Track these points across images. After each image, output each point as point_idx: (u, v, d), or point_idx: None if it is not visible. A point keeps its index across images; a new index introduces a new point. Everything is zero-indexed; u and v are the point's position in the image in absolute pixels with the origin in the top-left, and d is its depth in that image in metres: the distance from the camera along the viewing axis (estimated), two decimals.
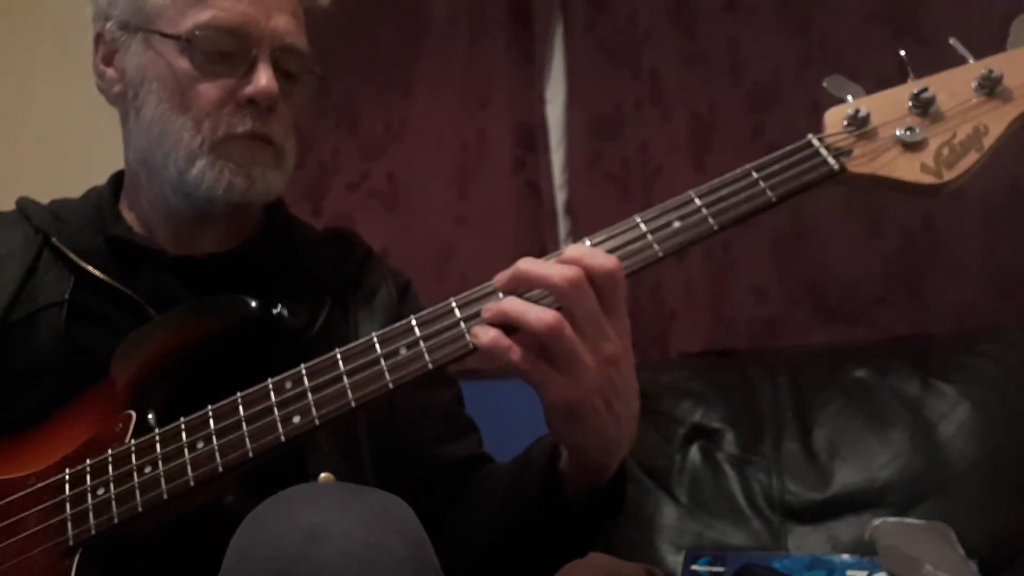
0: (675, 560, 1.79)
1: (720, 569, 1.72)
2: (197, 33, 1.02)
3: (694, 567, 1.75)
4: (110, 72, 1.09)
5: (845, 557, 1.68)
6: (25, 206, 1.13)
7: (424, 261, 2.26)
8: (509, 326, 0.83)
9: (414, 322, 0.87)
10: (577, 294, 0.81)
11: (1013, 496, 1.67)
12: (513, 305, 0.83)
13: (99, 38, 1.10)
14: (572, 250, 0.85)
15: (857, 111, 0.91)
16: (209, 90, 1.03)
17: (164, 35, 1.03)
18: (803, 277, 2.02)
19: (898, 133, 0.90)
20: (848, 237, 1.98)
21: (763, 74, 2.08)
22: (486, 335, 0.83)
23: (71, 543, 0.88)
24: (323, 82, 1.10)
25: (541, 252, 2.22)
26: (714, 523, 1.82)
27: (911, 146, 0.90)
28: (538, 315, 0.81)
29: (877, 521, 1.51)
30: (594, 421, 0.84)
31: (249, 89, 1.02)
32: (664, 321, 2.11)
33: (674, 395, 1.94)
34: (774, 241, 2.02)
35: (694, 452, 1.89)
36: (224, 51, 1.02)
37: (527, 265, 0.84)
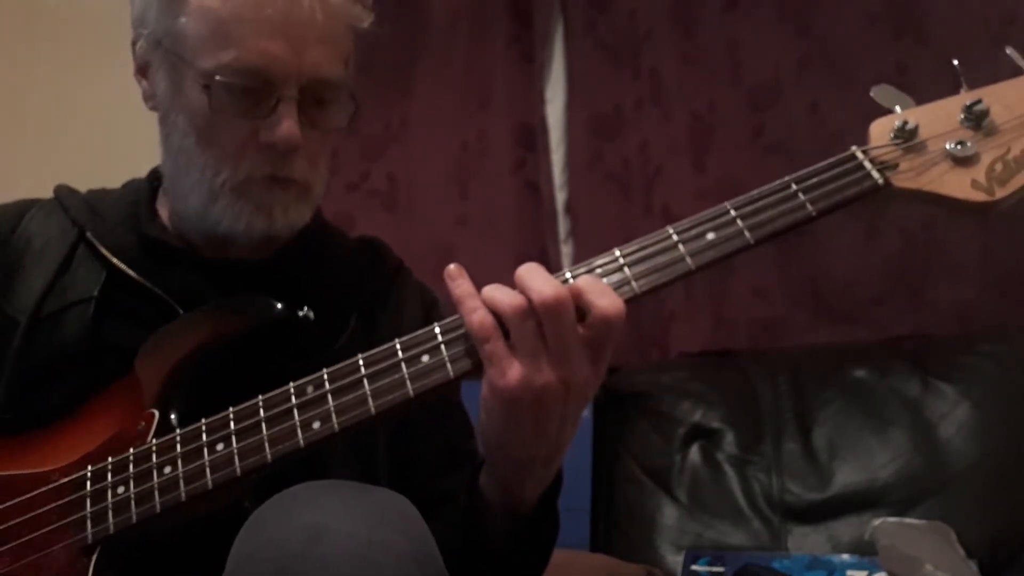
0: (675, 560, 1.79)
1: (720, 569, 1.72)
2: (218, 78, 0.97)
3: (694, 567, 1.75)
4: (145, 84, 1.07)
5: (845, 557, 1.68)
6: (63, 196, 1.12)
7: (424, 261, 2.23)
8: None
9: (437, 330, 0.87)
10: (519, 319, 0.82)
11: (1013, 496, 1.67)
12: (495, 289, 0.84)
13: (134, 46, 1.07)
14: (531, 278, 0.83)
15: (905, 123, 0.87)
16: (231, 131, 0.99)
17: (189, 67, 0.99)
18: (803, 277, 2.02)
19: (948, 147, 0.86)
20: (848, 237, 1.98)
21: (763, 74, 2.08)
22: (461, 286, 0.84)
23: (89, 541, 0.88)
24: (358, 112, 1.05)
25: (541, 252, 2.24)
26: (714, 523, 1.82)
27: (962, 161, 0.85)
28: (511, 297, 0.82)
29: (877, 521, 1.51)
30: (524, 426, 0.84)
31: (269, 136, 0.98)
32: (664, 321, 2.11)
33: (674, 395, 1.94)
34: (774, 242, 2.02)
35: (694, 452, 1.89)
36: (247, 89, 0.98)
37: (489, 290, 0.84)
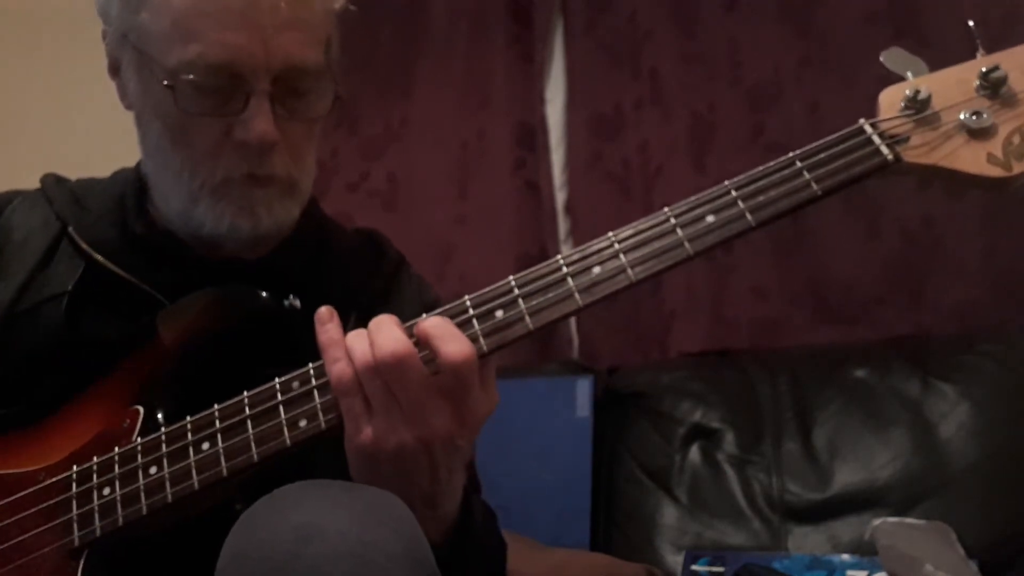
0: (675, 560, 1.78)
1: (720, 569, 1.72)
2: (181, 77, 0.92)
3: (694, 567, 1.74)
4: (117, 83, 1.03)
5: (845, 557, 1.67)
6: (48, 187, 1.09)
7: (424, 261, 2.25)
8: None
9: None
10: (367, 377, 0.80)
11: (1013, 496, 1.66)
12: (355, 339, 0.82)
13: (104, 37, 1.03)
14: (373, 332, 0.82)
15: (917, 92, 0.81)
16: (203, 130, 0.95)
17: (155, 65, 0.94)
18: (803, 277, 2.02)
19: (963, 117, 0.80)
20: (848, 237, 1.97)
21: (763, 74, 2.08)
22: (327, 332, 0.83)
23: (76, 544, 0.87)
24: (341, 102, 1.00)
25: (541, 251, 2.24)
26: (714, 523, 1.82)
27: (977, 133, 0.80)
28: (362, 351, 0.80)
29: (877, 521, 1.51)
30: (388, 480, 0.82)
31: (243, 133, 0.94)
32: (664, 321, 2.11)
33: (674, 395, 1.94)
34: (774, 241, 2.02)
35: (694, 452, 1.89)
36: (214, 87, 0.93)
37: (349, 337, 0.83)
